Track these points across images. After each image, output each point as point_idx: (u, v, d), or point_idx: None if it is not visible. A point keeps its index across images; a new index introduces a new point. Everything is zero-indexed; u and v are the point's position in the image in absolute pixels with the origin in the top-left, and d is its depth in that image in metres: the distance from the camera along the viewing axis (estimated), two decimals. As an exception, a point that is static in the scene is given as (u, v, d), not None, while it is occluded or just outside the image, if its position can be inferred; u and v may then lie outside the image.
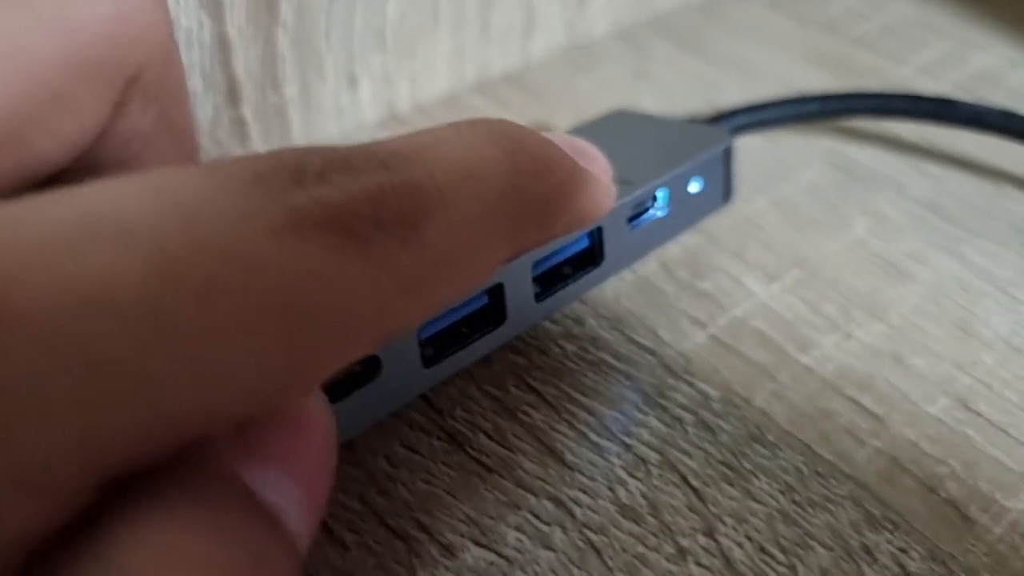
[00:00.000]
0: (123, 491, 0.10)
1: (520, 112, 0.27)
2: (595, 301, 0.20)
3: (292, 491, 0.12)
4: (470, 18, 0.26)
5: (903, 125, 0.27)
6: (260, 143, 0.23)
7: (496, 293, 0.16)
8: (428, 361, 0.16)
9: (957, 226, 0.23)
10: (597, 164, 0.16)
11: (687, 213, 0.20)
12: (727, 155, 0.20)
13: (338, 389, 0.14)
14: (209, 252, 0.09)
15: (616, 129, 0.22)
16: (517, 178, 0.13)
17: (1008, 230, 0.23)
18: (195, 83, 0.21)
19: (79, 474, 0.08)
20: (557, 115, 0.27)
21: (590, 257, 0.18)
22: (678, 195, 0.19)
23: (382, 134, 0.25)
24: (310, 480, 0.12)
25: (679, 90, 0.28)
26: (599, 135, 0.21)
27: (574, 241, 0.18)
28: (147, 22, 0.14)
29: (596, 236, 0.18)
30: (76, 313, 0.08)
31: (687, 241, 0.22)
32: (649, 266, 0.21)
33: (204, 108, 0.21)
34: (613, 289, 0.21)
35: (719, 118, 0.24)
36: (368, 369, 0.15)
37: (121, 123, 0.15)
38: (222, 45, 0.21)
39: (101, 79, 0.14)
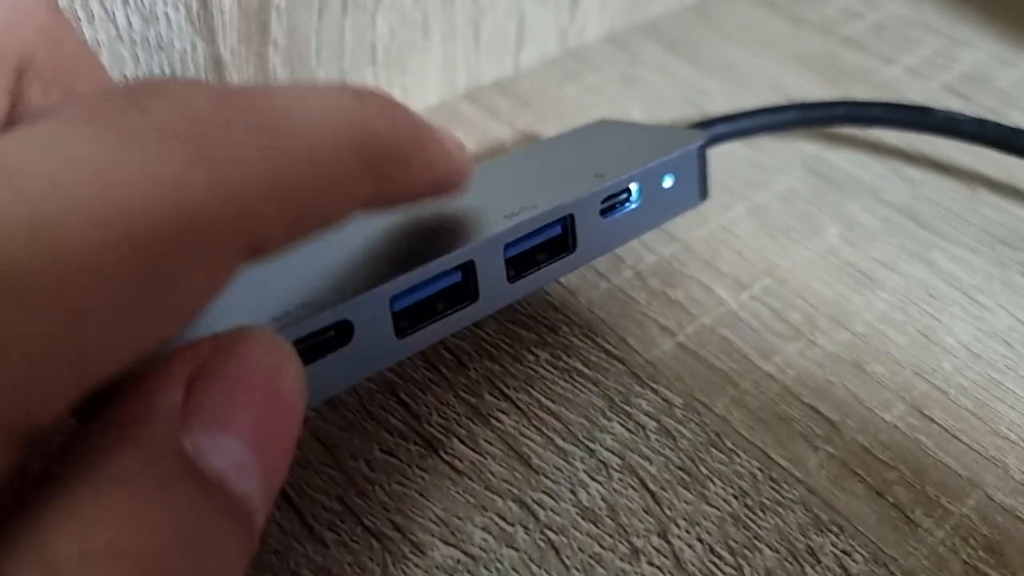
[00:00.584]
0: (57, 469, 0.10)
1: (509, 119, 0.28)
2: (570, 309, 0.21)
3: (239, 454, 0.12)
4: (460, 29, 0.27)
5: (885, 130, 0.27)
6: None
7: (468, 270, 0.17)
8: (401, 332, 0.16)
9: (930, 231, 0.24)
10: (446, 136, 0.16)
11: (661, 208, 0.21)
12: (701, 153, 0.21)
13: (309, 352, 0.15)
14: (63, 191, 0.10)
15: (597, 134, 0.23)
16: (366, 113, 0.13)
17: (980, 235, 0.24)
18: (193, 102, 0.22)
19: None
20: (545, 122, 0.28)
21: (563, 244, 0.19)
22: (651, 189, 0.20)
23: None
24: (261, 443, 0.12)
25: (667, 95, 0.29)
26: (580, 139, 0.22)
27: (547, 227, 0.18)
28: (17, 10, 0.14)
29: (569, 224, 0.18)
30: None
31: (662, 249, 0.23)
32: (624, 275, 0.22)
33: (202, 125, 0.23)
34: (587, 298, 0.22)
35: (698, 127, 0.25)
36: (340, 334, 0.15)
37: (24, 108, 0.15)
38: (216, 65, 0.22)
39: None
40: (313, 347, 0.15)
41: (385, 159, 0.14)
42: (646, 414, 0.19)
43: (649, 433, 0.19)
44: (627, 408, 0.19)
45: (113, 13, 0.20)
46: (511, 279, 0.18)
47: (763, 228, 0.24)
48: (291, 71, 0.23)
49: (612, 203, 0.19)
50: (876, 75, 0.30)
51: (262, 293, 0.15)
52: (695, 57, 0.31)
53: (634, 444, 0.18)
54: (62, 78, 0.15)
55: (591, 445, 0.18)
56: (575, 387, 0.20)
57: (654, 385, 0.20)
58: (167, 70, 0.21)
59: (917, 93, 0.30)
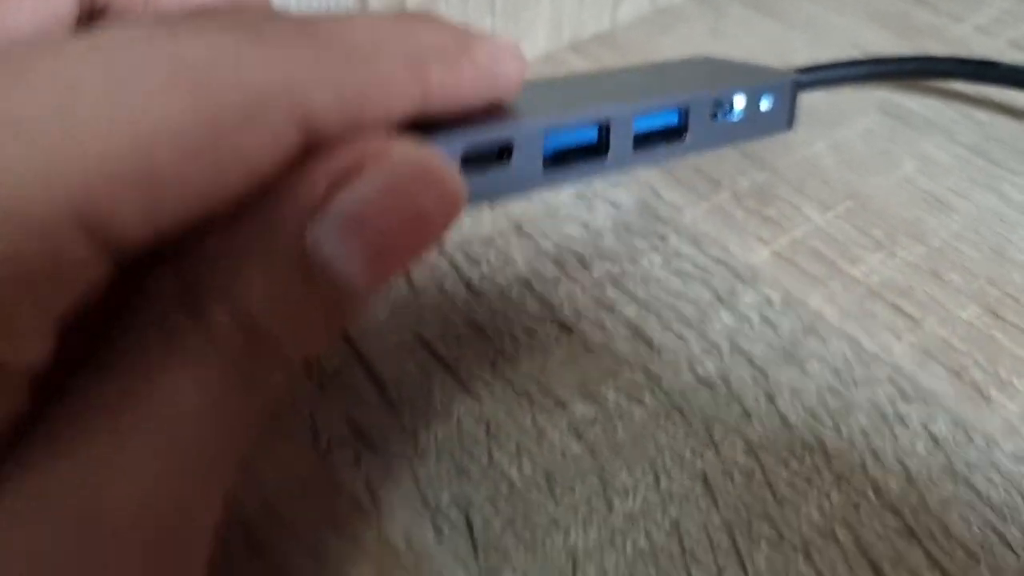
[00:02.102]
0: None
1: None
2: (676, 222, 0.24)
3: (350, 245, 0.13)
4: (567, -15, 0.30)
5: (955, 78, 0.30)
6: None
7: (604, 130, 0.20)
8: (546, 165, 0.19)
9: (1000, 167, 0.27)
10: (500, 42, 0.17)
11: (755, 126, 0.23)
12: (794, 85, 0.24)
13: (473, 164, 0.17)
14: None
15: (702, 62, 0.25)
16: (410, 24, 0.15)
17: (1046, 171, 0.26)
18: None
19: (74, 234, 0.11)
20: (642, 70, 0.30)
21: (677, 132, 0.21)
22: (751, 107, 0.23)
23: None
24: (373, 233, 0.13)
25: (753, 48, 0.32)
26: (688, 63, 0.25)
27: (668, 114, 0.21)
28: None
29: (684, 117, 0.21)
30: None
31: (755, 175, 0.26)
32: (721, 195, 0.25)
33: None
34: (691, 214, 0.24)
35: (786, 71, 0.27)
36: (503, 153, 0.18)
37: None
38: (363, 11, 0.25)
39: None
40: (477, 160, 0.17)
41: (429, 61, 0.15)
42: (749, 307, 0.22)
43: (753, 322, 0.21)
44: (732, 301, 0.22)
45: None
46: (635, 148, 0.20)
47: (844, 161, 0.27)
48: (425, 16, 0.26)
49: (719, 110, 0.22)
50: (946, 32, 0.33)
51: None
52: (777, 14, 0.34)
53: (740, 330, 0.21)
54: None
55: (703, 330, 0.21)
56: (685, 285, 0.22)
57: (755, 284, 0.22)
58: (323, 12, 0.25)
59: (985, 48, 0.32)
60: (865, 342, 0.21)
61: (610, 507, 0.18)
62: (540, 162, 0.19)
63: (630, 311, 0.22)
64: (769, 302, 0.22)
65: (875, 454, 0.19)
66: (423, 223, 0.14)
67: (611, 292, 0.22)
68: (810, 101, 0.29)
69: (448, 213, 0.14)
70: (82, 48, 0.12)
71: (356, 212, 0.13)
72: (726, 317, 0.22)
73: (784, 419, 0.19)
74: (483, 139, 0.17)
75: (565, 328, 0.21)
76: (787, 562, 0.17)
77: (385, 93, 0.14)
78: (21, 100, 0.11)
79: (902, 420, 0.19)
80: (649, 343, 0.21)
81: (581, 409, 0.19)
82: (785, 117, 0.24)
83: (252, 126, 0.12)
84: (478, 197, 0.18)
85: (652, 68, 0.24)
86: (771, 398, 0.20)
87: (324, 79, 0.13)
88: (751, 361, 0.21)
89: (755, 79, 0.23)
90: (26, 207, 0.11)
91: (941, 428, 0.19)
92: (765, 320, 0.21)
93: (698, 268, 0.23)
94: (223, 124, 0.12)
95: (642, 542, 0.17)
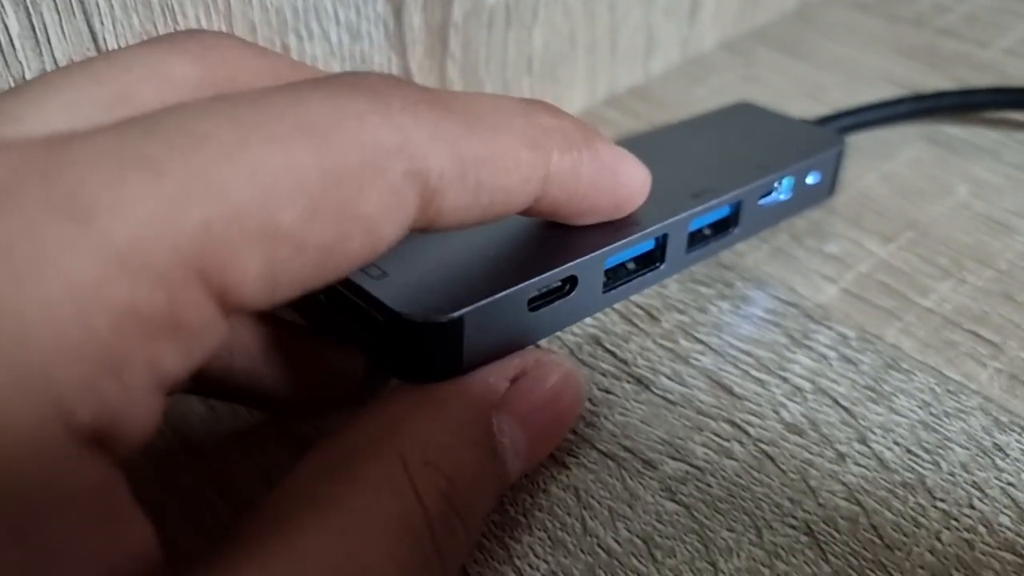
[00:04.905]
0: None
1: (647, 120, 0.31)
2: (740, 268, 0.24)
3: (518, 436, 0.16)
4: (600, 42, 0.30)
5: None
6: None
7: (661, 240, 0.20)
8: (606, 287, 0.19)
9: (1053, 185, 0.26)
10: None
11: (802, 201, 0.24)
12: (839, 156, 0.24)
13: (542, 299, 0.18)
14: None
15: (743, 120, 0.25)
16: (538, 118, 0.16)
17: (1101, 185, 0.26)
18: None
19: (193, 289, 0.11)
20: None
21: (729, 223, 0.22)
22: (799, 184, 0.23)
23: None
24: (534, 429, 0.17)
25: (786, 90, 0.32)
26: (730, 123, 0.25)
27: (718, 210, 0.21)
28: None
29: (736, 208, 0.21)
30: None
31: (810, 214, 0.26)
32: (781, 237, 0.25)
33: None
34: (753, 258, 0.24)
35: (826, 121, 0.27)
36: (567, 285, 0.18)
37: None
38: (406, 76, 0.25)
39: None
40: (546, 295, 0.18)
41: (552, 145, 0.15)
42: (825, 347, 0.21)
43: (832, 362, 0.21)
44: (808, 343, 0.22)
45: (328, 32, 0.24)
46: (688, 250, 0.21)
47: (897, 191, 0.26)
48: (465, 80, 0.27)
49: (767, 191, 0.22)
50: (975, 57, 0.33)
51: (508, 262, 0.18)
52: (805, 56, 0.34)
53: (820, 371, 0.21)
54: None
55: (783, 374, 0.21)
56: (758, 329, 0.22)
57: (827, 323, 0.22)
58: (367, 89, 0.25)
59: (1018, 70, 0.32)
60: (949, 372, 0.21)
61: (715, 568, 0.17)
62: (600, 287, 0.19)
63: (706, 361, 0.21)
64: (845, 340, 0.22)
65: (980, 488, 0.18)
66: (567, 422, 0.18)
67: (684, 343, 0.22)
68: (854, 137, 0.29)
69: (579, 411, 0.18)
70: (207, 101, 0.12)
71: (528, 411, 0.17)
72: (804, 359, 0.21)
73: (880, 459, 0.19)
74: (548, 280, 0.18)
75: (642, 384, 0.21)
76: (907, 609, 0.16)
77: (505, 168, 0.14)
78: (149, 144, 0.11)
79: (1002, 450, 0.19)
80: (730, 392, 0.20)
81: (671, 468, 0.19)
82: (829, 187, 0.25)
83: (371, 183, 0.12)
84: (548, 328, 0.18)
85: (691, 131, 0.24)
86: (863, 439, 0.19)
87: (443, 141, 0.13)
88: (836, 401, 0.20)
89: (801, 150, 0.23)
90: (148, 251, 0.10)
91: (1043, 456, 0.19)
92: (844, 359, 0.21)
93: (768, 312, 0.22)
94: (343, 178, 0.12)
95: (754, 599, 0.17)
